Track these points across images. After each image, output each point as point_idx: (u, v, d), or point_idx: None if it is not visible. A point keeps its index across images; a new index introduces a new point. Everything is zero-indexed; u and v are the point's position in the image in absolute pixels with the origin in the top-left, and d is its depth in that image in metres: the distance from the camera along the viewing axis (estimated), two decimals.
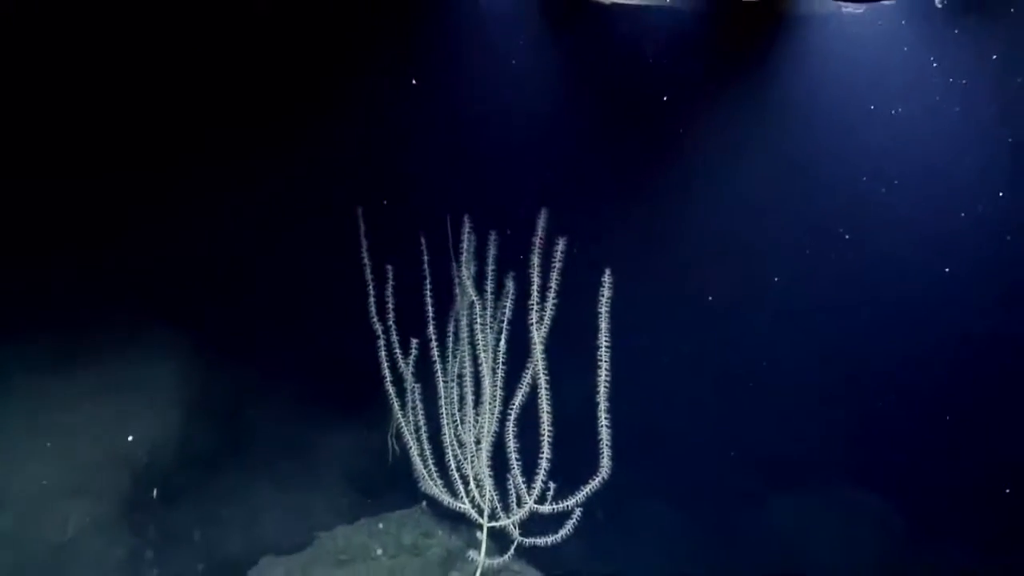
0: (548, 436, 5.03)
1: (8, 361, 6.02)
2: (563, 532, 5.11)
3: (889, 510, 8.40)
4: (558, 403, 5.06)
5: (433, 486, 5.54)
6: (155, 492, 6.46)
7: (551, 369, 5.11)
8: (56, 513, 5.90)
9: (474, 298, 5.50)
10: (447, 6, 7.21)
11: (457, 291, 5.66)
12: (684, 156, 8.14)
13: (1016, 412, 8.21)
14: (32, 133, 6.41)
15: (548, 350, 5.12)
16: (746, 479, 8.52)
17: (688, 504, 8.25)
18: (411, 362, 5.58)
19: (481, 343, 5.49)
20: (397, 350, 5.59)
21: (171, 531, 6.64)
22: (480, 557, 5.55)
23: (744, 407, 8.49)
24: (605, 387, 4.89)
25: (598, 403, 4.89)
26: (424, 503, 6.64)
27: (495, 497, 5.45)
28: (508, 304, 5.44)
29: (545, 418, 5.04)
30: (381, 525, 6.63)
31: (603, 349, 4.88)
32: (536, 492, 5.18)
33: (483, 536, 5.51)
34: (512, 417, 5.23)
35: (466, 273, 5.53)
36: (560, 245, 5.01)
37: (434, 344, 5.56)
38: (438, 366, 5.58)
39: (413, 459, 5.57)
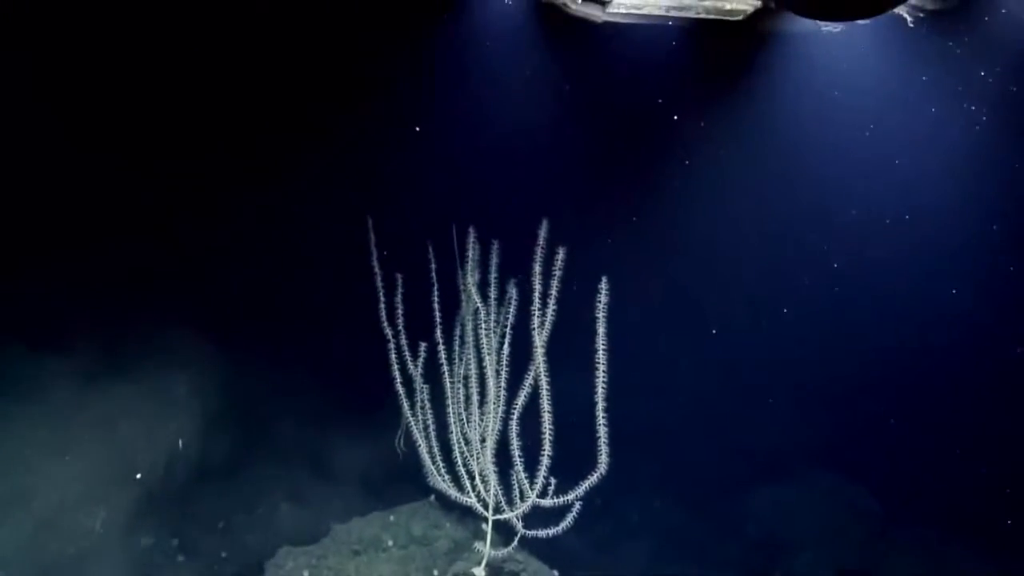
0: (549, 434, 5.25)
1: (39, 366, 6.22)
2: (563, 524, 5.35)
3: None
4: (558, 404, 5.27)
5: (441, 481, 5.77)
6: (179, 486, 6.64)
7: (551, 370, 5.33)
8: (87, 509, 6.09)
9: (479, 304, 5.71)
10: (448, 27, 7.33)
11: (463, 298, 5.85)
12: (673, 167, 8.34)
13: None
14: (56, 145, 6.55)
15: (548, 352, 5.35)
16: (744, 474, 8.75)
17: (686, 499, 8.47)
18: (420, 364, 5.77)
19: (485, 346, 5.70)
20: (407, 353, 5.79)
21: (198, 522, 6.88)
22: (485, 548, 5.72)
23: (743, 407, 8.71)
24: (603, 388, 5.11)
25: (596, 403, 5.11)
26: (433, 497, 6.73)
27: (499, 491, 5.66)
28: (511, 309, 5.63)
29: (546, 417, 5.27)
30: (392, 518, 6.76)
31: (600, 352, 5.09)
32: (538, 487, 5.40)
33: (488, 528, 5.69)
34: (515, 416, 5.46)
35: (471, 280, 5.73)
36: (560, 254, 5.23)
37: (441, 348, 5.78)
38: (445, 368, 5.78)
39: (422, 456, 5.77)
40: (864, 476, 8.77)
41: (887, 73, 7.74)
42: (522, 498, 5.56)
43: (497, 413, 5.60)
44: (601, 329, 5.10)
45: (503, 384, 5.62)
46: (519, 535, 5.67)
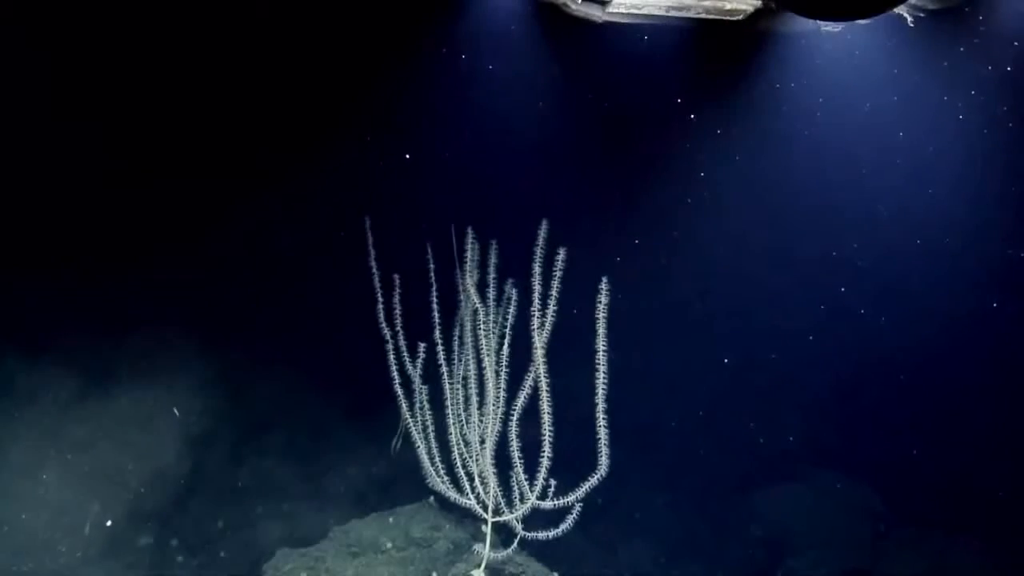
0: (549, 436, 5.24)
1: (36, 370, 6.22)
2: (563, 526, 5.33)
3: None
4: (558, 404, 5.26)
5: (440, 483, 5.75)
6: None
7: (551, 371, 5.31)
8: (78, 512, 6.08)
9: (478, 304, 5.69)
10: (448, 26, 7.35)
11: (462, 298, 5.85)
12: (673, 166, 8.36)
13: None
14: (55, 149, 6.58)
15: (548, 353, 5.32)
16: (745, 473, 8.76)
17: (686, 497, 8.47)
18: (418, 365, 5.76)
19: (485, 347, 5.67)
20: (405, 354, 5.78)
21: (197, 523, 6.86)
22: (485, 550, 5.71)
23: (745, 406, 8.74)
24: (603, 388, 5.10)
25: (597, 403, 5.09)
26: (432, 498, 6.74)
27: (499, 493, 5.64)
28: (510, 310, 5.62)
29: (545, 419, 5.25)
30: (391, 519, 6.73)
31: (601, 352, 5.08)
32: (538, 488, 5.39)
33: (488, 530, 5.68)
34: (515, 417, 5.44)
35: (470, 281, 5.71)
36: (560, 254, 5.20)
37: (440, 348, 5.77)
38: (444, 369, 5.77)
39: (421, 457, 5.75)
40: (867, 476, 8.75)
41: (887, 73, 7.76)
42: (522, 500, 5.54)
43: (496, 414, 5.58)
44: (601, 329, 5.09)
45: (502, 385, 5.59)
46: (519, 536, 5.64)
